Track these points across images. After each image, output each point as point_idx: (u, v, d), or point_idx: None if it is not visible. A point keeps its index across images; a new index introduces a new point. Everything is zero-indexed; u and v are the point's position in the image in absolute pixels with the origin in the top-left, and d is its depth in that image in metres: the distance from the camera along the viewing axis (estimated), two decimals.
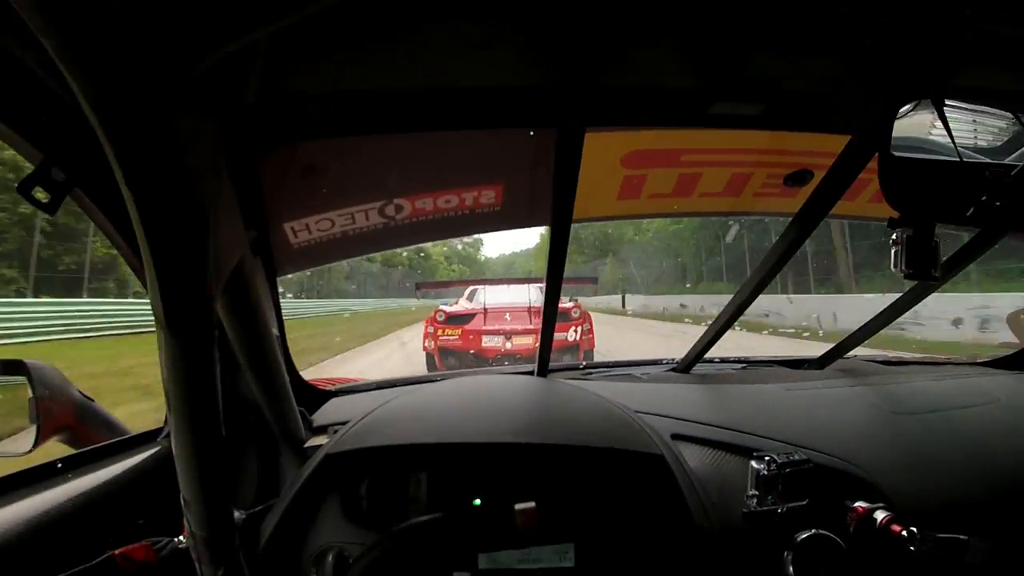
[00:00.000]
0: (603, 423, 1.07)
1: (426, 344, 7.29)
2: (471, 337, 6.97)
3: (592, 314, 7.58)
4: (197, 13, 0.48)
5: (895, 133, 0.90)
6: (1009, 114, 0.92)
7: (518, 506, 0.87)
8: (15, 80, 0.67)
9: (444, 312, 7.29)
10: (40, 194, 0.74)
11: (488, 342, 6.87)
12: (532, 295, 7.02)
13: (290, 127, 0.88)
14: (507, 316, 7.00)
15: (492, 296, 7.25)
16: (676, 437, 1.12)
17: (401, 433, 1.03)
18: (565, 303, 7.38)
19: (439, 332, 7.06)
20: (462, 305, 7.68)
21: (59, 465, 0.92)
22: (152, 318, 0.58)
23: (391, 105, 0.89)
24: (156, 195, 0.50)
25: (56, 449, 1.08)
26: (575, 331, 7.09)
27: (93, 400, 1.17)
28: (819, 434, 1.13)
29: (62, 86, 0.62)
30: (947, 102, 0.89)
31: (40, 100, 0.70)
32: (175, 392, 0.61)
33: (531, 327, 6.77)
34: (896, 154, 0.89)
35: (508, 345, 6.77)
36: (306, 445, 1.13)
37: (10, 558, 0.72)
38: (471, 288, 8.09)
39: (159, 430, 1.10)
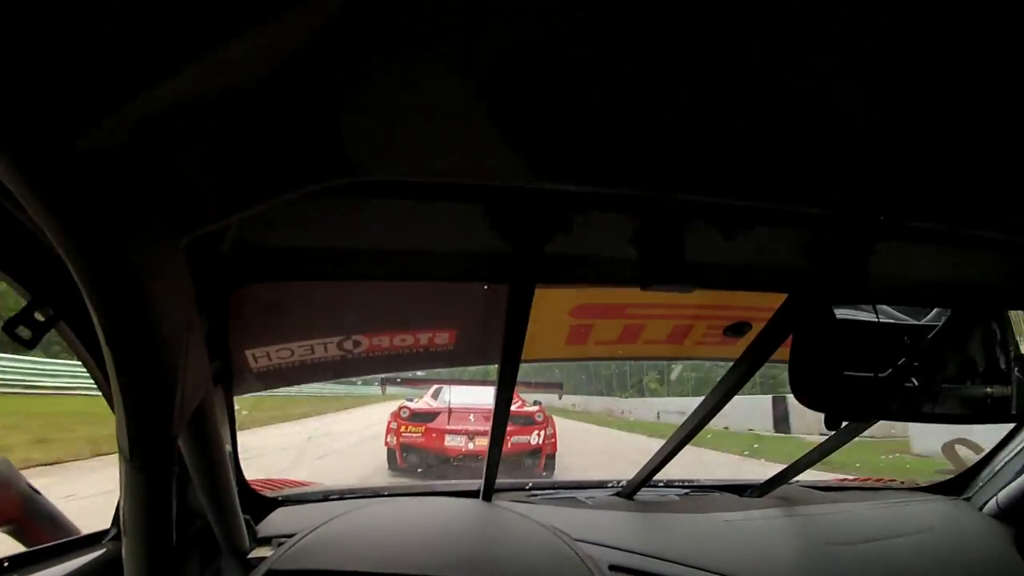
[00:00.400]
0: (543, 557, 1.11)
1: (388, 439, 7.27)
2: (434, 436, 7.03)
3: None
4: (184, 200, 0.54)
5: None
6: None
7: None
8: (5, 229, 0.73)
9: (409, 409, 7.31)
10: (23, 331, 0.79)
11: (451, 441, 6.95)
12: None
13: (258, 271, 0.94)
14: (471, 417, 7.01)
15: (457, 396, 7.29)
16: (614, 568, 1.15)
17: (344, 558, 1.05)
18: (529, 407, 7.47)
19: (402, 428, 7.10)
20: (426, 403, 7.68)
21: (5, 564, 0.93)
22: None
23: (356, 259, 0.96)
24: (133, 349, 0.54)
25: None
26: (538, 435, 7.14)
27: (40, 493, 1.19)
28: (755, 567, 1.18)
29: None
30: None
31: (28, 245, 0.76)
32: (132, 521, 0.65)
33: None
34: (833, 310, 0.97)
35: (470, 445, 6.80)
36: (249, 556, 1.14)
37: None
38: (435, 386, 7.99)
39: (104, 532, 1.11)
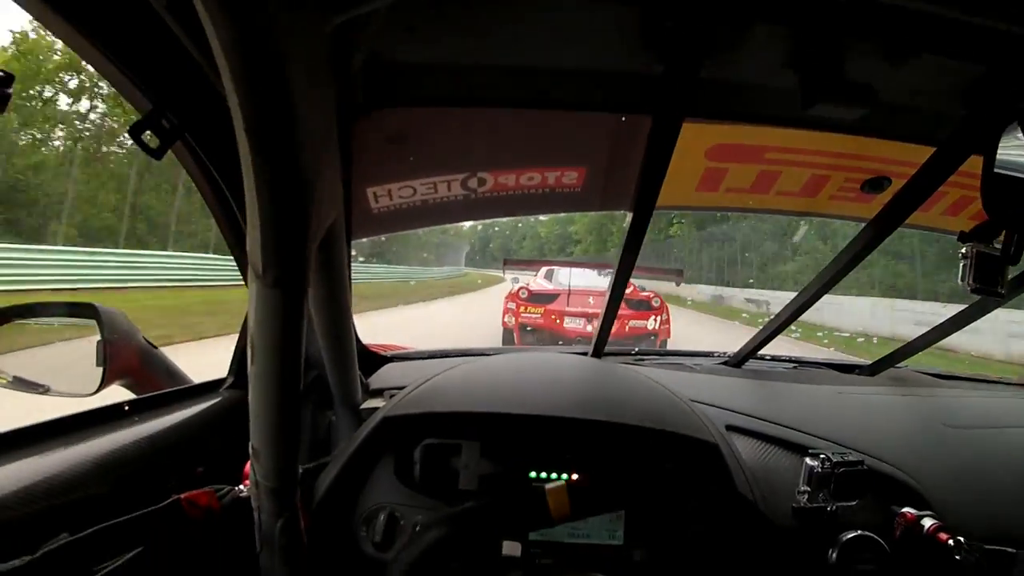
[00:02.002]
0: (659, 407, 1.08)
1: (506, 320, 7.36)
2: (553, 317, 6.98)
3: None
4: None
5: (999, 150, 0.89)
6: None
7: (549, 487, 0.87)
8: (135, 24, 0.68)
9: (528, 290, 7.32)
10: (150, 140, 0.75)
11: (569, 323, 6.90)
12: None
13: (388, 94, 0.89)
14: (590, 299, 6.97)
15: (575, 278, 7.18)
16: (730, 428, 1.13)
17: (459, 401, 1.04)
18: (645, 293, 7.53)
19: (521, 309, 7.12)
20: (539, 284, 7.66)
21: (127, 408, 0.94)
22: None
23: (489, 80, 0.89)
24: (273, 146, 0.51)
25: (118, 393, 1.10)
26: (654, 320, 7.18)
27: (157, 348, 1.19)
28: (871, 439, 1.14)
29: (189, 33, 0.63)
30: None
31: (155, 47, 0.71)
32: (262, 343, 0.62)
33: None
34: (999, 171, 0.88)
35: (589, 328, 6.68)
36: (362, 407, 1.15)
37: (79, 492, 0.74)
38: (547, 268, 8.04)
39: (221, 381, 1.12)
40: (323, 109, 0.58)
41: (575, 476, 0.97)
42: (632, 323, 6.99)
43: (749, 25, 0.76)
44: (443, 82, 0.89)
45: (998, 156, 0.89)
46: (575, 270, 7.62)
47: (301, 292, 0.63)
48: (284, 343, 0.63)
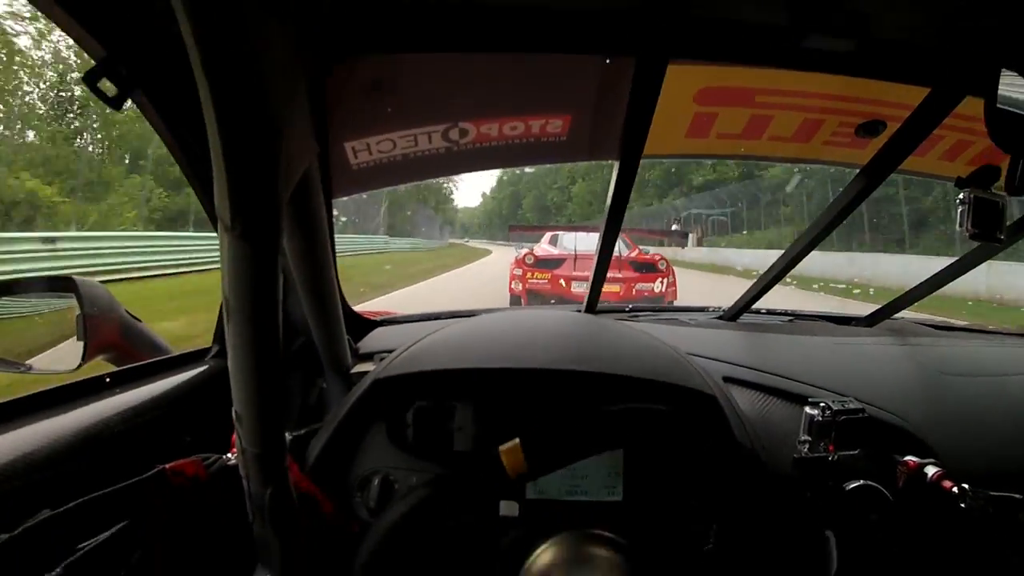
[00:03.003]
0: (655, 359, 1.06)
1: (513, 286, 7.38)
2: (560, 282, 7.00)
3: None
4: None
5: (1001, 88, 0.87)
6: None
7: (502, 447, 0.85)
8: None
9: (534, 256, 7.39)
10: (107, 89, 0.72)
11: (577, 288, 6.84)
12: (619, 244, 6.94)
13: (361, 39, 0.85)
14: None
15: (579, 243, 7.15)
16: (728, 380, 1.11)
17: (450, 359, 1.02)
18: (650, 255, 7.68)
19: (528, 275, 7.17)
20: (544, 249, 7.71)
21: (107, 380, 0.91)
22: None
23: (467, 22, 0.85)
24: (233, 90, 0.49)
25: (102, 368, 1.08)
26: (661, 283, 7.25)
27: (140, 320, 1.17)
28: (870, 388, 1.12)
29: None
30: None
31: None
32: (236, 300, 0.60)
33: (619, 276, 6.82)
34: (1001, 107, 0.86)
35: None
36: (352, 371, 1.13)
37: (61, 466, 0.72)
38: (551, 233, 8.09)
39: (207, 350, 1.10)
40: (286, 45, 0.54)
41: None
42: (639, 286, 7.07)
43: None
44: (419, 25, 0.85)
45: (999, 94, 0.87)
46: (579, 234, 7.55)
47: (274, 243, 0.59)
48: (259, 298, 0.60)
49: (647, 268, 7.32)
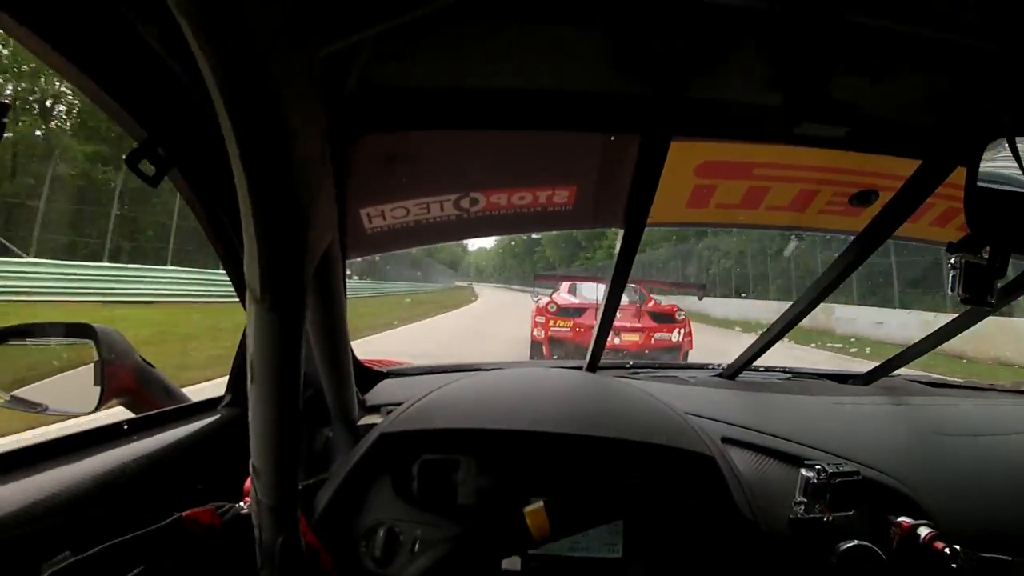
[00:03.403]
0: (655, 421, 1.09)
1: (535, 333, 7.68)
2: (580, 330, 7.19)
3: None
4: (328, 2, 0.50)
5: (981, 165, 0.91)
6: None
7: (527, 509, 0.88)
8: (130, 56, 0.69)
9: (556, 304, 7.68)
10: (146, 168, 0.76)
11: None
12: (637, 295, 7.48)
13: (380, 117, 0.90)
14: (618, 314, 6.91)
15: (596, 292, 7.14)
16: (726, 440, 1.13)
17: (455, 417, 1.05)
18: (668, 306, 7.95)
19: (550, 322, 7.48)
20: (565, 298, 7.98)
21: (125, 427, 0.94)
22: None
23: (479, 102, 0.90)
24: (269, 175, 0.52)
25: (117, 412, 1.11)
26: (678, 333, 7.47)
27: (154, 367, 1.20)
28: (866, 448, 1.15)
29: (182, 64, 0.64)
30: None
31: (149, 76, 0.72)
32: (262, 365, 0.63)
33: (639, 325, 7.19)
34: (981, 184, 0.90)
35: (616, 340, 7.02)
36: (359, 423, 1.16)
37: (80, 511, 0.74)
38: (569, 283, 8.40)
39: (219, 399, 1.13)
40: (316, 135, 0.58)
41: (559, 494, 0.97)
42: (657, 336, 7.27)
43: (734, 46, 0.78)
44: (434, 105, 0.90)
45: (981, 169, 0.90)
46: (600, 285, 7.58)
47: (299, 315, 0.63)
48: (283, 364, 0.63)
49: (665, 319, 7.53)
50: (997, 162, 0.96)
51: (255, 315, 0.60)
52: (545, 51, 0.80)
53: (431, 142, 0.98)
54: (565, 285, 8.35)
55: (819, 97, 0.85)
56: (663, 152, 0.95)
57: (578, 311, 7.49)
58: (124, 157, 0.74)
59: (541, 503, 0.88)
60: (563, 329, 7.38)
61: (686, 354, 7.33)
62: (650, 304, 7.91)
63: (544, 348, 7.43)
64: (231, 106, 0.47)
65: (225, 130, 0.48)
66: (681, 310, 7.74)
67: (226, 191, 0.54)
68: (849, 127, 0.90)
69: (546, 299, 7.97)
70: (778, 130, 0.95)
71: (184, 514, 0.76)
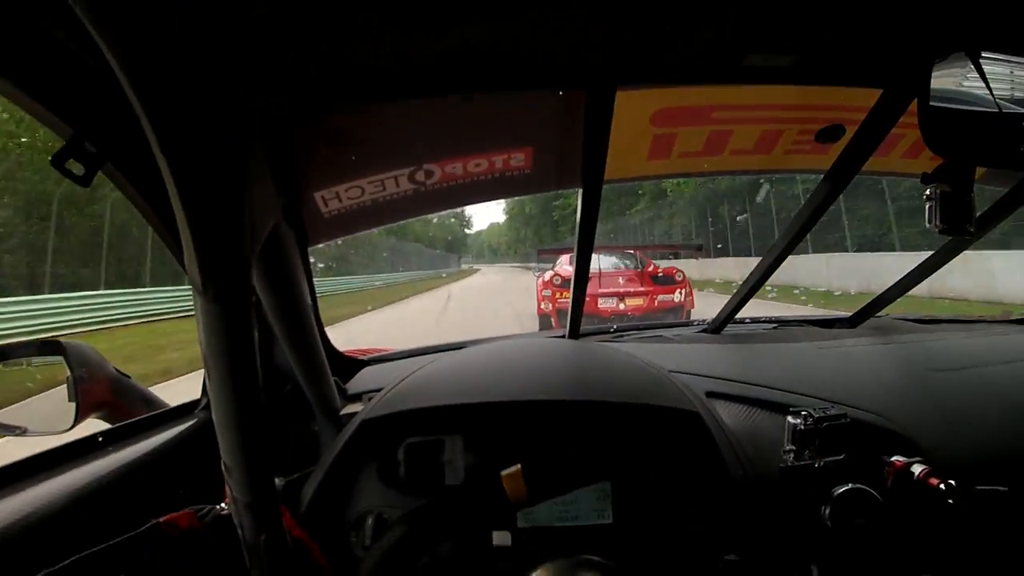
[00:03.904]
0: (637, 381, 1.08)
1: (543, 307, 7.87)
2: (588, 299, 7.15)
3: None
4: None
5: (932, 84, 0.88)
6: None
7: (504, 472, 0.87)
8: (44, 54, 0.67)
9: (561, 276, 7.72)
10: (74, 167, 0.74)
11: (604, 303, 7.44)
12: (635, 261, 8.02)
13: (320, 95, 0.87)
14: (620, 280, 7.70)
15: (603, 262, 7.57)
16: (711, 395, 1.12)
17: (436, 396, 1.04)
18: (669, 268, 8.20)
19: (557, 295, 7.55)
20: (568, 270, 7.65)
21: (100, 439, 0.93)
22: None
23: (421, 69, 0.88)
24: (189, 162, 0.51)
25: (95, 426, 1.10)
26: (680, 293, 7.72)
27: (129, 376, 1.19)
28: (854, 390, 1.13)
29: (94, 55, 0.62)
30: (983, 55, 0.87)
31: (69, 73, 0.70)
32: (214, 358, 0.61)
33: (642, 289, 7.54)
34: (934, 104, 0.87)
35: (621, 306, 7.44)
36: (341, 413, 1.14)
37: (57, 527, 0.73)
38: (570, 255, 8.54)
39: (196, 403, 1.12)
40: (242, 118, 0.57)
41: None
42: (660, 298, 7.54)
43: None
44: (376, 77, 0.87)
45: (932, 89, 0.88)
46: (600, 254, 7.69)
47: (245, 303, 0.61)
48: (236, 357, 0.62)
49: (667, 281, 7.78)
50: (947, 81, 0.93)
51: (201, 308, 0.59)
52: (483, 10, 0.78)
53: (377, 116, 0.96)
54: (565, 257, 8.31)
55: (763, 25, 0.83)
56: (610, 103, 0.93)
57: None
58: (49, 158, 0.72)
59: (518, 466, 0.87)
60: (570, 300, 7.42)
61: (688, 313, 7.49)
62: (650, 268, 8.16)
63: (553, 320, 7.52)
64: (145, 99, 0.45)
65: (144, 124, 0.47)
66: (680, 271, 7.91)
67: (159, 184, 0.52)
68: (800, 56, 0.88)
69: (550, 272, 8.02)
70: (726, 67, 0.93)
71: (161, 519, 0.75)
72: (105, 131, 0.75)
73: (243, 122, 0.56)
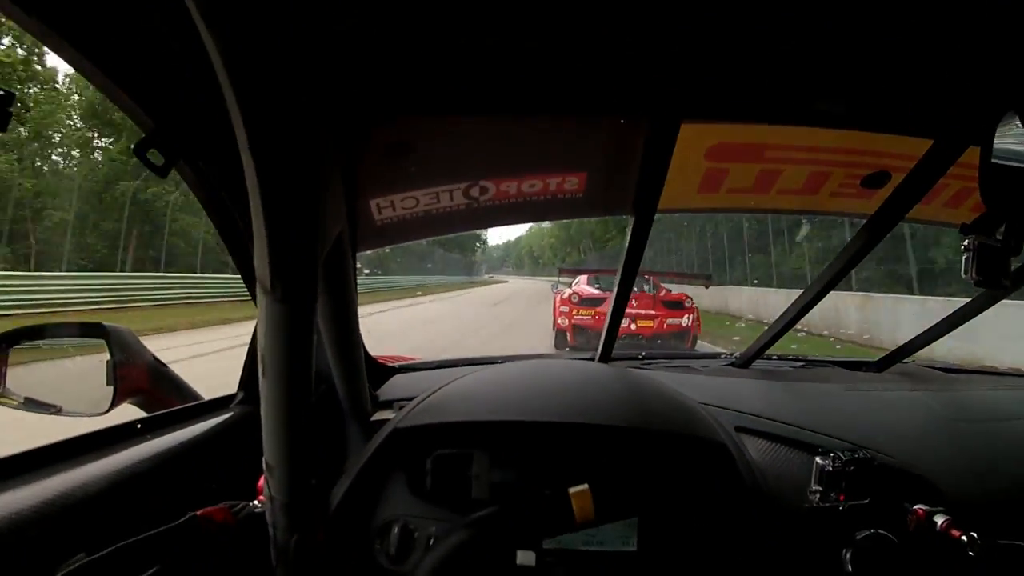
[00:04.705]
0: (667, 409, 1.08)
1: (559, 322, 8.50)
2: (602, 318, 7.60)
3: None
4: None
5: (994, 140, 0.89)
6: None
7: (572, 490, 0.87)
8: (138, 47, 0.69)
9: (579, 295, 8.50)
10: (154, 157, 0.76)
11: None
12: (651, 285, 8.35)
13: (388, 106, 0.89)
14: (633, 302, 7.70)
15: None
16: (739, 429, 1.12)
17: (467, 411, 1.04)
18: (676, 293, 8.68)
19: (573, 312, 8.30)
20: (586, 289, 8.85)
21: (139, 426, 0.94)
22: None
23: (487, 88, 0.90)
24: (278, 166, 0.52)
25: (128, 411, 1.11)
26: (688, 318, 8.11)
27: (166, 365, 1.20)
28: (880, 435, 1.13)
29: (192, 56, 0.64)
30: None
31: (157, 69, 0.72)
32: (273, 358, 0.63)
33: (653, 312, 7.90)
34: (996, 161, 0.89)
35: (632, 327, 7.80)
36: (372, 419, 1.15)
37: (95, 511, 0.74)
38: (587, 276, 9.35)
39: (231, 397, 1.13)
40: (323, 126, 0.58)
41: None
42: (669, 321, 7.92)
43: (742, 25, 0.77)
44: (441, 93, 0.90)
45: (995, 146, 0.89)
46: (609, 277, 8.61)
47: (310, 306, 0.63)
48: (294, 357, 0.63)
49: (675, 305, 8.18)
50: (1010, 138, 0.94)
51: (266, 307, 0.60)
52: (552, 36, 0.79)
53: (440, 129, 0.98)
54: (584, 277, 9.18)
55: (827, 74, 0.85)
56: (673, 136, 0.95)
57: (598, 300, 8.17)
58: (132, 146, 0.74)
59: (586, 486, 0.87)
60: (585, 317, 8.08)
61: (694, 338, 8.06)
62: (662, 293, 8.56)
63: (568, 336, 8.13)
64: (242, 100, 0.47)
65: (235, 122, 0.48)
66: (690, 298, 8.31)
67: (234, 182, 0.54)
68: (858, 104, 0.89)
69: (568, 291, 8.68)
70: (787, 109, 0.95)
71: (198, 512, 0.76)
72: (184, 128, 0.77)
73: (324, 127, 0.58)
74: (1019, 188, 0.86)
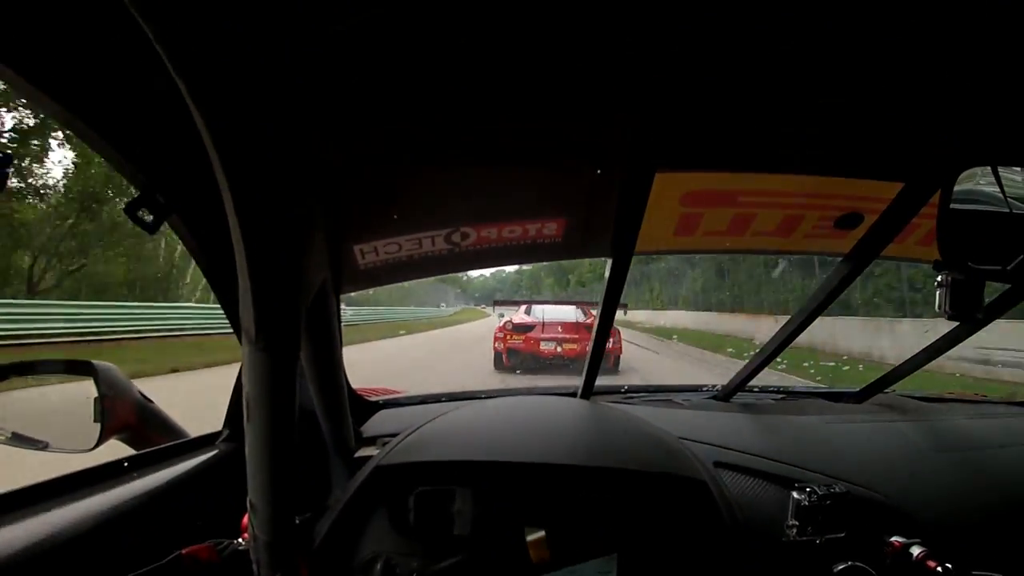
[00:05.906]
0: (648, 447, 1.10)
1: (496, 345, 9.77)
2: (531, 342, 9.49)
3: None
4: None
5: (955, 187, 0.92)
6: None
7: (529, 537, 0.91)
8: (130, 109, 0.71)
9: (512, 322, 9.85)
10: (144, 215, 0.78)
11: (544, 346, 9.37)
12: (578, 314, 9.56)
13: (370, 156, 0.92)
14: (559, 328, 9.47)
15: (548, 313, 9.75)
16: (718, 464, 1.14)
17: (450, 450, 1.06)
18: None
19: (508, 337, 9.61)
20: (520, 317, 10.10)
21: (125, 464, 0.95)
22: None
23: (467, 139, 0.92)
24: (261, 223, 0.55)
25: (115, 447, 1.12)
26: (610, 341, 8.43)
27: (152, 402, 1.21)
28: (858, 468, 1.16)
29: (181, 120, 0.66)
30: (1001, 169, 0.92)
31: (149, 130, 0.74)
32: (256, 403, 0.65)
33: (576, 336, 9.06)
34: (955, 207, 0.91)
35: (558, 349, 9.26)
36: (356, 455, 1.16)
37: (82, 550, 0.76)
38: (525, 305, 10.52)
39: (217, 434, 1.14)
40: (308, 178, 0.61)
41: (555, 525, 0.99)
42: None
43: (713, 79, 0.80)
44: (422, 143, 0.92)
45: (955, 191, 0.92)
46: (547, 307, 10.25)
47: (293, 354, 0.65)
48: (278, 403, 0.66)
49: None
50: (972, 185, 0.98)
51: (249, 355, 0.62)
52: (527, 92, 0.82)
53: (421, 180, 1.00)
54: (522, 308, 10.41)
55: (797, 123, 0.88)
56: (648, 184, 0.97)
57: (529, 327, 9.55)
58: (123, 207, 0.77)
59: (543, 533, 0.91)
60: (517, 341, 9.45)
61: (616, 357, 9.09)
62: (588, 320, 9.49)
63: (504, 357, 9.45)
64: (226, 164, 0.49)
65: (220, 183, 0.51)
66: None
67: (221, 237, 0.56)
68: (828, 149, 0.92)
69: (505, 319, 10.17)
70: (759, 157, 0.98)
71: (184, 551, 0.78)
72: (174, 184, 0.79)
73: (309, 180, 0.61)
74: (971, 235, 0.89)
